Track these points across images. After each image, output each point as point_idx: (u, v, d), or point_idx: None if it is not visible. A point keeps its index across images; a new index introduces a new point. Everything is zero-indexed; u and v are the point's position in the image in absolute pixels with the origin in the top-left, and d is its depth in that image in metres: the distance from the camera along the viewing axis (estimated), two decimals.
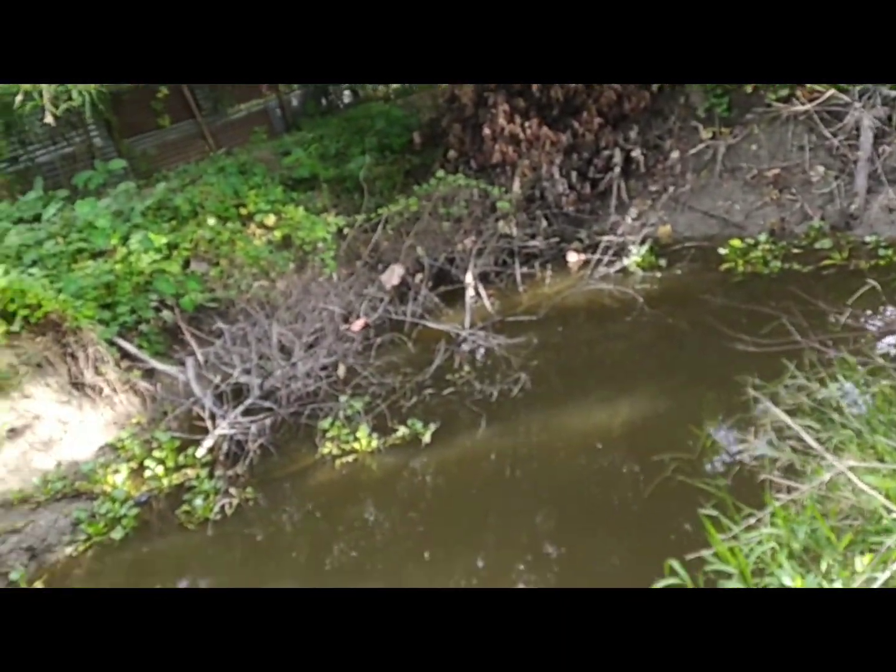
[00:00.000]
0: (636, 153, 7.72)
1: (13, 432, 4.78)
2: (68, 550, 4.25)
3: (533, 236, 7.30)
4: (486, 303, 6.57)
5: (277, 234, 6.79)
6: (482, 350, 5.89)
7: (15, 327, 5.07)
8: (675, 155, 7.70)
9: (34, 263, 5.93)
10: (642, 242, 6.82)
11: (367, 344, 5.97)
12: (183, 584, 4.21)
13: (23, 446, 4.80)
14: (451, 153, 7.86)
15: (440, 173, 7.19)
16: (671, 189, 7.52)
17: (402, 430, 4.85)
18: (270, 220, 6.92)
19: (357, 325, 5.90)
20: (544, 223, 7.44)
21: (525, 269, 7.05)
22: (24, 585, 3.96)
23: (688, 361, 5.32)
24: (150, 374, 5.69)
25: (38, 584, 4.00)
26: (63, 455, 4.91)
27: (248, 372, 5.50)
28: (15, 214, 7.07)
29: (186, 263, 6.35)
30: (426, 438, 4.77)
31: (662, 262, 6.72)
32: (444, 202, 7.30)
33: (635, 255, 6.71)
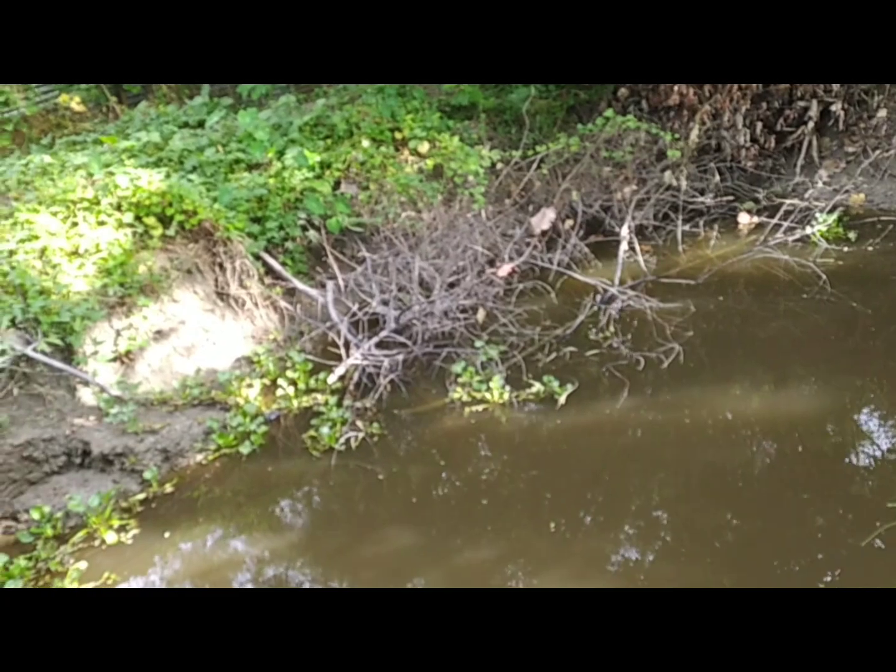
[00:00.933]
0: (836, 107, 6.79)
1: (159, 334, 4.91)
2: (199, 457, 4.34)
3: (702, 192, 6.65)
4: (640, 259, 6.07)
5: (430, 162, 6.54)
6: (628, 310, 5.45)
7: (170, 232, 5.16)
8: (882, 114, 6.73)
9: (194, 169, 6.01)
10: (831, 210, 6.03)
11: (508, 289, 5.69)
12: (302, 507, 4.22)
13: (167, 349, 4.94)
14: (622, 91, 7.23)
15: (609, 112, 6.62)
16: (873, 153, 6.59)
17: (537, 387, 4.57)
18: (424, 147, 6.67)
19: (504, 269, 5.60)
20: (717, 178, 6.75)
21: (688, 227, 6.44)
22: (155, 486, 4.09)
23: (870, 358, 4.68)
24: (290, 292, 5.69)
25: (169, 487, 4.12)
26: (202, 362, 5.01)
27: (385, 303, 5.38)
28: (181, 118, 7.21)
29: (336, 184, 6.24)
30: (561, 399, 4.48)
31: (851, 235, 5.92)
32: (607, 145, 6.77)
33: (820, 225, 5.95)
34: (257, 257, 5.59)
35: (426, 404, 4.67)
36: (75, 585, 3.48)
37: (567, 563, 3.54)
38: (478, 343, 5.01)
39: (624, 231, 6.23)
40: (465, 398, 4.60)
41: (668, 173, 6.59)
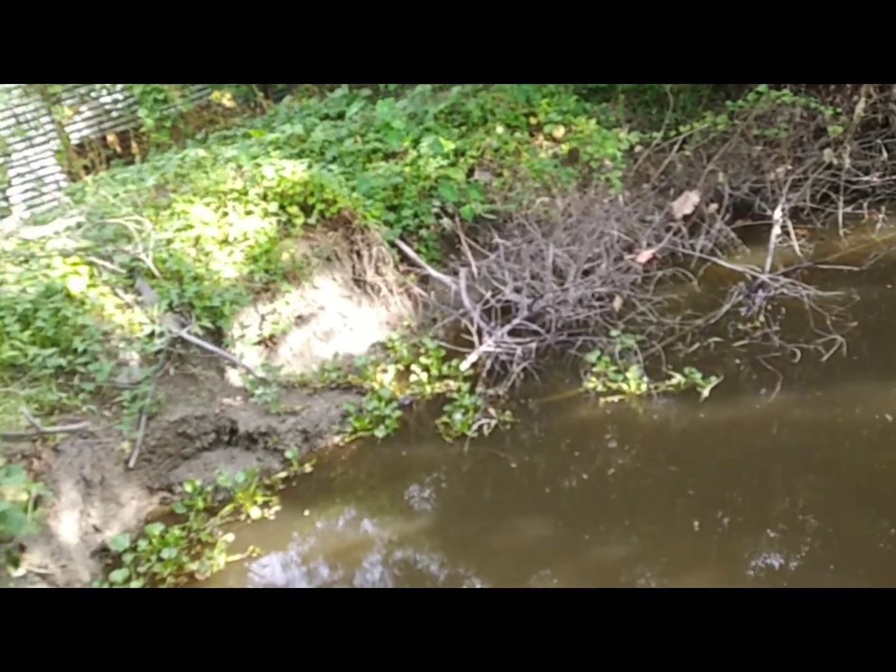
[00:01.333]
0: None
1: (300, 319, 5.11)
2: (336, 439, 4.47)
3: (867, 170, 6.07)
4: (795, 244, 5.63)
5: (565, 147, 6.37)
6: (779, 300, 5.06)
7: (312, 220, 5.34)
8: None
9: (334, 160, 6.19)
10: None
11: (647, 276, 5.46)
12: (433, 492, 4.25)
13: (307, 334, 5.13)
14: None
15: (762, 87, 6.15)
16: None
17: (678, 378, 4.35)
18: (559, 131, 6.50)
19: (644, 255, 5.38)
20: (884, 155, 6.13)
21: (850, 209, 5.91)
22: (296, 465, 4.26)
23: None
24: (424, 279, 5.74)
25: (308, 467, 4.28)
26: (339, 347, 5.16)
27: (518, 291, 5.31)
28: (322, 111, 7.45)
29: (470, 172, 6.22)
30: (705, 392, 4.24)
31: None
32: (759, 122, 6.32)
33: None
34: (392, 245, 5.68)
35: (559, 393, 4.57)
36: (223, 556, 3.69)
37: (702, 565, 3.35)
38: (613, 332, 4.84)
39: (777, 214, 5.80)
40: (600, 388, 4.46)
41: (828, 151, 6.07)
